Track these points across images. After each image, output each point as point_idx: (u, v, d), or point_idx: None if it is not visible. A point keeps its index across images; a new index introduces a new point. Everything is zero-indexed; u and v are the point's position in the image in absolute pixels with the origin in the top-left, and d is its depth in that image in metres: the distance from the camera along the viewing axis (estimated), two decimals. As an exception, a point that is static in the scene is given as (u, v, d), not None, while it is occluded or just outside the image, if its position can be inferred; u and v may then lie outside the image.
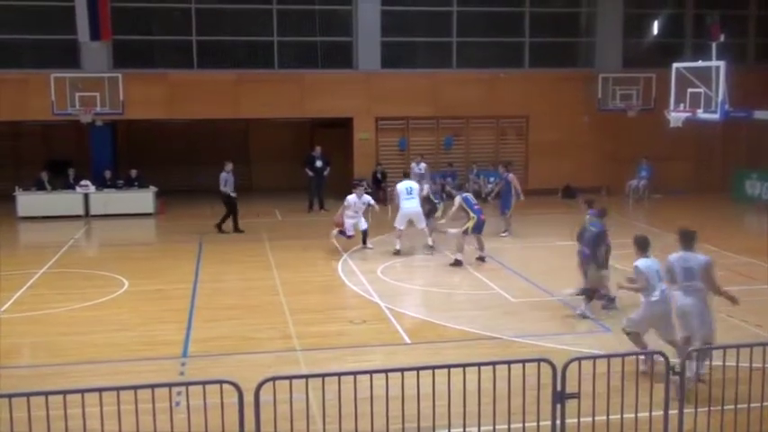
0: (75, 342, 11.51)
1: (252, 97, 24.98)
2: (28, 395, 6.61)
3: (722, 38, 17.09)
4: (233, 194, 20.21)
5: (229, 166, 20.42)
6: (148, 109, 24.43)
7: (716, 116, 16.53)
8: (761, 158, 25.74)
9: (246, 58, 25.91)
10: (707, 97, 16.67)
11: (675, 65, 17.97)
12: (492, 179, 26.38)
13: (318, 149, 24.28)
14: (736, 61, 21.45)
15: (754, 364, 7.69)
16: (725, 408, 7.63)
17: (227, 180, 20.22)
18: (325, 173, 24.03)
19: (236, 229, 20.26)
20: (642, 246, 9.79)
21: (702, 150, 27.09)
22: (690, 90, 17.21)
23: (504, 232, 19.28)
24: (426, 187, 19.31)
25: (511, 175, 19.63)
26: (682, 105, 17.55)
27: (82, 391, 6.71)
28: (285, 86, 25.20)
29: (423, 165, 23.12)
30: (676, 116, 17.68)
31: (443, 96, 26.07)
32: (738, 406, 7.70)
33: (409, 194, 17.70)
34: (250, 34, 25.85)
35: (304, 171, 24.18)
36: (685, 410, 7.51)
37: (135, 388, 6.77)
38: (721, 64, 16.25)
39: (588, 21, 27.84)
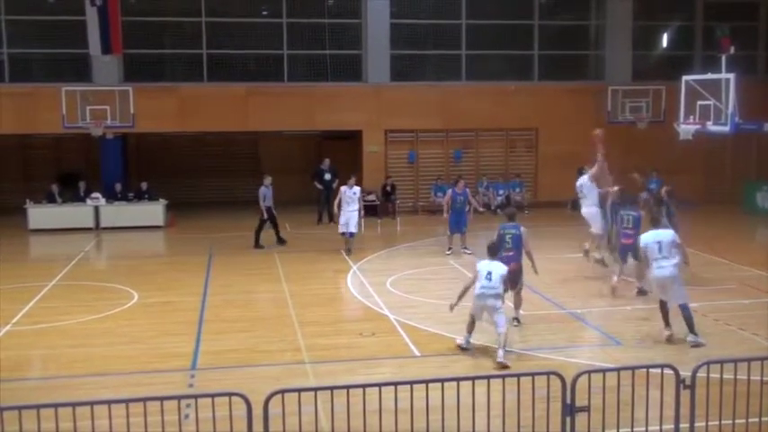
0: (85, 354, 11.53)
1: (262, 110, 25.08)
2: (38, 407, 6.63)
3: (732, 50, 17.06)
4: (266, 212, 19.94)
5: (268, 180, 20.24)
6: (159, 122, 24.54)
7: (726, 129, 16.48)
8: (772, 171, 25.71)
9: (256, 72, 26.03)
10: (717, 109, 16.62)
11: (685, 77, 17.94)
12: (501, 191, 26.41)
13: (327, 162, 24.32)
14: (747, 73, 21.39)
15: (765, 378, 7.65)
16: (736, 421, 7.59)
17: (265, 195, 20.01)
18: (334, 185, 24.05)
19: (257, 244, 20.04)
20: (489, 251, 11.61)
21: (713, 163, 27.02)
22: (700, 102, 17.17)
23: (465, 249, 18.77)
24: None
25: (468, 191, 19.53)
26: (692, 118, 17.51)
27: (91, 404, 6.74)
28: (295, 99, 25.27)
29: (356, 188, 19.62)
30: (686, 128, 17.64)
31: (453, 109, 26.10)
32: (750, 420, 7.65)
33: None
34: (260, 47, 25.93)
35: (313, 184, 24.21)
36: (696, 424, 7.47)
37: (144, 400, 6.78)
38: (731, 76, 16.22)
39: (597, 33, 27.86)
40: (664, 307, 11.76)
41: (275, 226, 20.38)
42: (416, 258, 18.61)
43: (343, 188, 19.40)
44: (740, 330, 12.36)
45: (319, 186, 24.02)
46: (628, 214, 14.87)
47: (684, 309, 11.57)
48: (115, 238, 22.22)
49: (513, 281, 12.52)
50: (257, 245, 20.02)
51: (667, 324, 11.69)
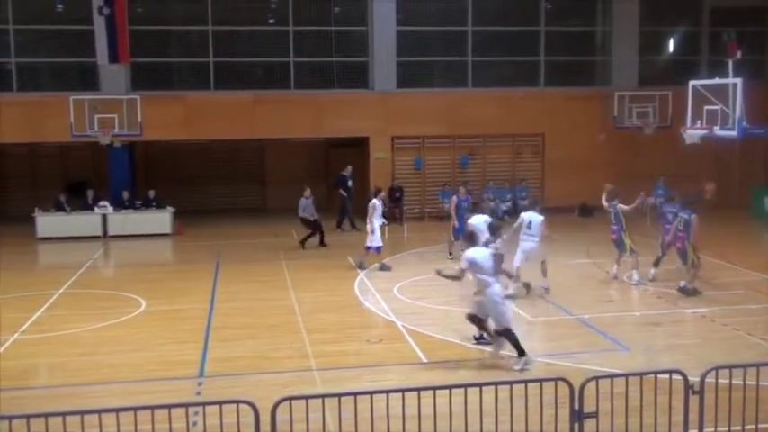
0: (93, 362, 11.55)
1: (268, 118, 25.14)
2: (46, 415, 6.64)
3: (739, 55, 17.04)
4: (313, 218, 20.93)
5: (308, 192, 21.02)
6: (166, 130, 24.62)
7: (733, 133, 16.44)
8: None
9: (263, 79, 26.14)
10: (724, 114, 16.59)
11: (692, 82, 17.91)
12: (508, 197, 26.41)
13: (350, 169, 24.43)
14: (754, 78, 21.37)
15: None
16: (746, 427, 7.56)
17: (305, 206, 20.85)
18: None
19: (322, 244, 21.04)
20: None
21: (720, 168, 26.95)
22: (707, 107, 17.14)
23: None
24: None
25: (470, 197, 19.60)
26: (699, 122, 17.48)
27: (99, 412, 6.74)
28: (301, 107, 25.33)
29: (380, 197, 19.18)
30: (692, 133, 17.62)
31: (459, 115, 26.11)
32: (759, 426, 7.61)
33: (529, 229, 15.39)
34: (266, 55, 26.02)
35: (337, 191, 24.25)
36: (705, 430, 7.44)
37: (152, 408, 6.79)
38: (738, 81, 16.18)
39: (604, 39, 27.85)
40: (479, 320, 11.30)
41: (319, 233, 21.07)
42: (423, 265, 18.56)
43: (377, 202, 18.56)
44: (748, 335, 12.31)
45: (343, 194, 24.04)
46: (681, 216, 15.04)
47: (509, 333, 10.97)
48: (123, 246, 22.27)
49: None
50: (322, 244, 21.06)
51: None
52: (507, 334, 10.92)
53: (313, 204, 21.04)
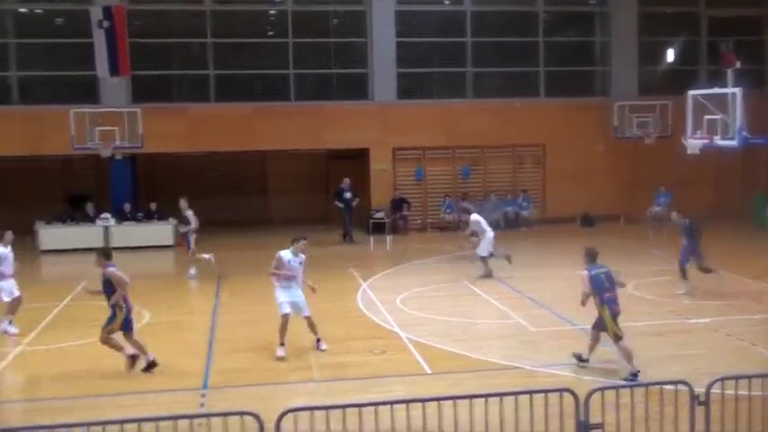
0: (96, 374, 11.54)
1: (269, 129, 25.18)
2: (51, 428, 6.64)
3: (737, 64, 17.07)
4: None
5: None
6: (167, 142, 24.65)
7: (734, 143, 16.47)
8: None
9: (263, 91, 26.17)
10: (724, 124, 16.61)
11: (691, 92, 17.93)
12: (510, 208, 26.42)
13: (347, 181, 24.46)
14: (753, 87, 21.37)
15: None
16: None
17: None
18: (354, 204, 24.16)
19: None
20: None
21: (722, 177, 26.97)
22: (707, 117, 17.16)
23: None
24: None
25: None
26: (699, 132, 17.50)
27: (103, 423, 6.74)
28: (302, 118, 25.36)
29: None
30: (694, 143, 17.63)
31: (459, 126, 26.16)
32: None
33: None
34: (266, 67, 26.10)
35: (334, 203, 24.38)
36: (711, 440, 7.44)
37: (156, 420, 6.81)
38: (737, 90, 16.20)
39: (603, 49, 27.93)
40: None
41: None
42: (426, 276, 18.60)
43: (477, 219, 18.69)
44: (752, 345, 12.30)
45: (340, 205, 24.12)
46: None
47: None
48: (125, 258, 22.06)
49: None
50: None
51: None
52: None
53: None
